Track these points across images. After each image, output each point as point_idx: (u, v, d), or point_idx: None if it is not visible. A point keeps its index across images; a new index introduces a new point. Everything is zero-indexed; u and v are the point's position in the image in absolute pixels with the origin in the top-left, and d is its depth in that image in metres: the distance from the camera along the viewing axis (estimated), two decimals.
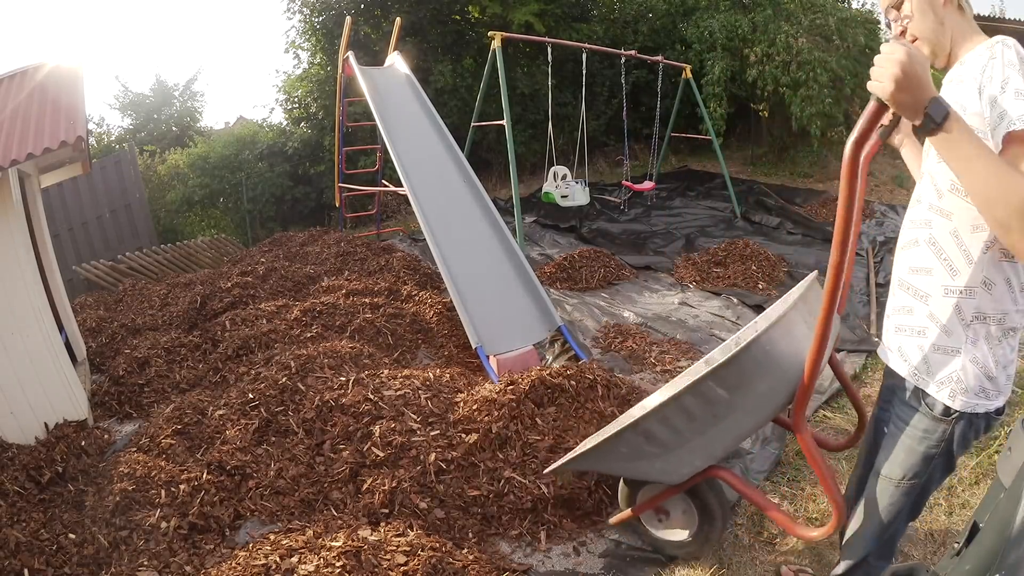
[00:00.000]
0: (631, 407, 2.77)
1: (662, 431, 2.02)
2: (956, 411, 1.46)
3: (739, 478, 2.15)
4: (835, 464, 3.04)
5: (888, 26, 1.53)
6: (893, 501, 1.61)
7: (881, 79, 1.13)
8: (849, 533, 1.76)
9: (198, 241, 8.86)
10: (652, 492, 2.44)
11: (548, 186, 7.35)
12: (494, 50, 6.53)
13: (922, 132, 1.18)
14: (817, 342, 1.59)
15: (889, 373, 1.67)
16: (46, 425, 3.47)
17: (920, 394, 1.51)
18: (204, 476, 2.85)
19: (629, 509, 2.49)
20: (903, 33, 1.45)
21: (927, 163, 1.50)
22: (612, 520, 2.61)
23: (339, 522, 2.56)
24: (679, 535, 2.51)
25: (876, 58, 1.15)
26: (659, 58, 8.52)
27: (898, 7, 1.44)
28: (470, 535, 2.60)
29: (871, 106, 1.18)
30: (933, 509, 2.67)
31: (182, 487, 2.76)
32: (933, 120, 1.14)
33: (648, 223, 7.98)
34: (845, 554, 1.79)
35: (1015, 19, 9.72)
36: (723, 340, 3.87)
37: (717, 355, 2.53)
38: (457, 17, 11.49)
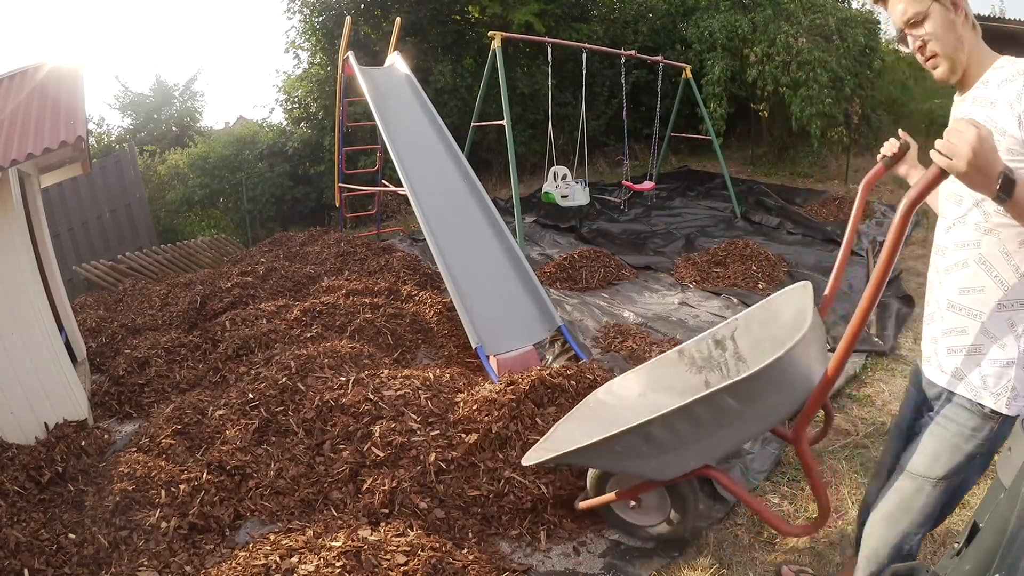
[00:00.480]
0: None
1: (663, 434, 2.02)
2: (1004, 414, 1.49)
3: (729, 478, 2.17)
4: (835, 464, 3.05)
5: (901, 40, 1.52)
6: (929, 502, 1.61)
7: (953, 155, 1.21)
8: (875, 542, 1.73)
9: (198, 241, 8.86)
10: (627, 481, 2.47)
11: (548, 186, 7.35)
12: (494, 50, 6.53)
13: (995, 202, 1.27)
14: (836, 367, 1.67)
15: (929, 385, 1.67)
16: (46, 425, 3.47)
17: (974, 402, 1.54)
18: (204, 476, 2.85)
19: (599, 496, 2.53)
20: (922, 48, 1.47)
21: (966, 188, 1.52)
22: (580, 504, 2.63)
23: (339, 522, 2.56)
24: (650, 519, 2.57)
25: (947, 133, 1.23)
26: (659, 58, 8.51)
27: (919, 24, 1.45)
28: (470, 535, 2.60)
29: (933, 173, 1.28)
30: None
31: (182, 487, 2.76)
32: (1006, 195, 1.23)
33: (648, 223, 7.98)
34: (870, 564, 1.75)
35: (1015, 19, 9.71)
36: None
37: (691, 346, 2.53)
38: (457, 17, 11.48)
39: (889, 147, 1.81)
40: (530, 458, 2.38)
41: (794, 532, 2.16)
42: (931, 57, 1.47)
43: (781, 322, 2.31)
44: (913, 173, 1.82)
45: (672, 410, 1.94)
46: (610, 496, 2.49)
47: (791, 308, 2.27)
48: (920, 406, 1.72)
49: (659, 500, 2.55)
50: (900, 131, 1.82)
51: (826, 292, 2.12)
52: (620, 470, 2.31)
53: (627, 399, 2.59)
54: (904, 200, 1.35)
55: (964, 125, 1.20)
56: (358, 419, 3.14)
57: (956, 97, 1.58)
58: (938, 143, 1.25)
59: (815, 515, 2.68)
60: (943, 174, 1.26)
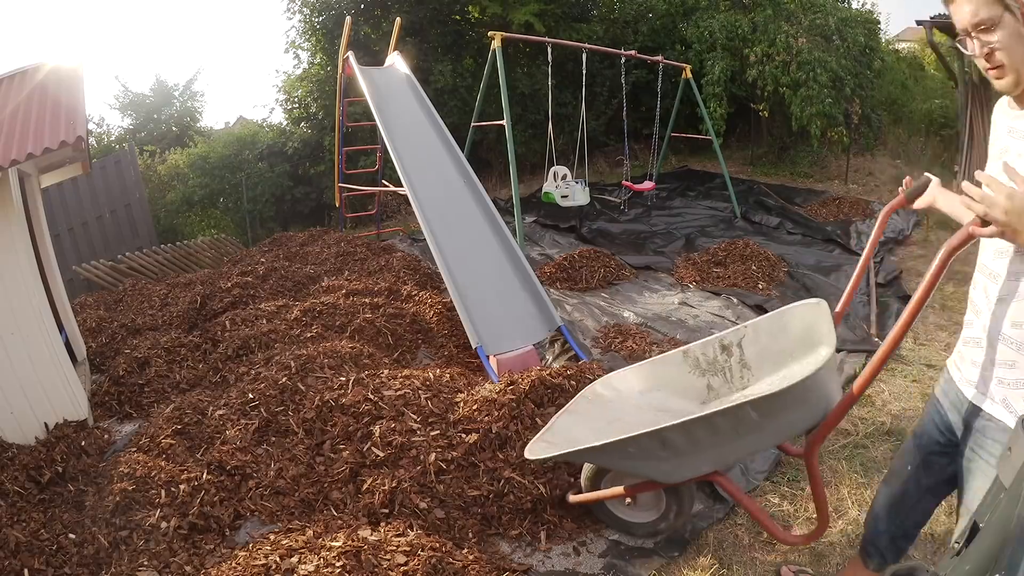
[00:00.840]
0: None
1: (680, 440, 2.03)
2: None
3: (735, 485, 2.18)
4: (835, 464, 3.05)
5: (961, 42, 1.48)
6: None
7: (991, 207, 1.25)
8: None
9: (198, 241, 8.86)
10: (622, 479, 2.48)
11: (548, 186, 7.35)
12: (494, 50, 6.53)
13: None
14: (861, 387, 1.75)
15: (972, 411, 1.62)
16: (46, 425, 3.47)
17: None
18: (204, 476, 2.85)
19: (595, 491, 2.52)
20: (989, 56, 1.44)
21: None
22: (573, 498, 2.62)
23: (339, 522, 2.56)
24: (645, 516, 2.58)
25: (983, 197, 1.27)
26: (659, 58, 8.50)
27: (990, 31, 1.41)
28: (470, 535, 2.60)
29: (974, 222, 1.35)
30: None
31: (182, 487, 2.76)
32: None
33: (648, 223, 7.98)
34: None
35: None
36: None
37: (697, 349, 2.55)
38: (457, 17, 11.48)
39: (908, 181, 1.93)
40: (534, 452, 2.35)
41: (793, 541, 2.20)
42: (997, 67, 1.43)
43: (790, 335, 2.33)
44: (939, 197, 1.85)
45: (694, 418, 1.95)
46: (607, 492, 2.49)
47: (802, 322, 2.30)
48: (951, 427, 1.67)
49: (654, 498, 2.56)
50: (926, 173, 1.93)
51: (837, 309, 2.18)
52: (628, 471, 2.31)
53: (626, 395, 2.59)
54: (944, 248, 1.40)
55: (997, 184, 1.22)
56: (358, 419, 3.14)
57: (1010, 109, 1.55)
58: (971, 204, 1.28)
59: (814, 515, 2.69)
60: (983, 224, 1.31)
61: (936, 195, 1.87)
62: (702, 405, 2.49)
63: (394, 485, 2.71)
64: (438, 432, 2.99)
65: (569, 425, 2.49)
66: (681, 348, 2.60)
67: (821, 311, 2.18)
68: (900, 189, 1.96)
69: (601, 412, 2.54)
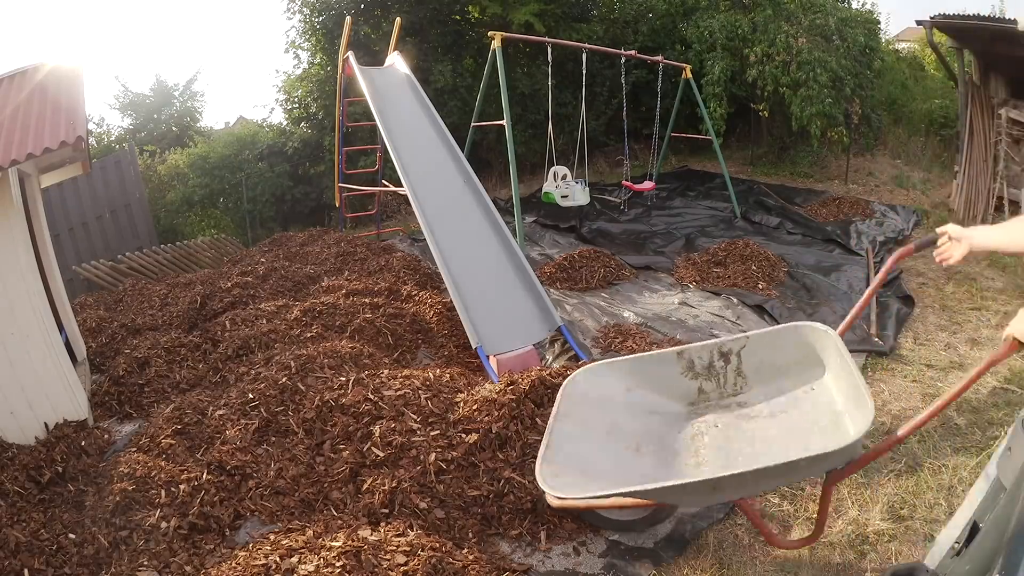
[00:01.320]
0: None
1: (731, 483, 2.02)
2: None
3: (748, 502, 2.19)
4: None
5: None
6: None
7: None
8: None
9: (198, 241, 8.87)
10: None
11: (548, 186, 7.35)
12: (494, 50, 6.53)
13: None
14: (905, 434, 1.91)
15: None
16: (46, 425, 3.47)
17: None
18: (204, 476, 2.85)
19: (584, 499, 2.40)
20: None
21: None
22: (555, 503, 2.39)
23: (339, 522, 2.56)
24: (633, 515, 2.59)
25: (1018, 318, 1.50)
26: (659, 58, 8.50)
27: None
28: (470, 535, 2.60)
29: (1010, 346, 1.61)
30: (934, 509, 2.67)
31: (182, 487, 2.76)
32: None
33: (648, 223, 7.97)
34: None
35: (1015, 19, 9.69)
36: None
37: (693, 351, 2.55)
38: (457, 17, 11.48)
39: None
40: (561, 489, 2.15)
41: (787, 546, 2.25)
42: None
43: (788, 353, 2.36)
44: (974, 240, 1.81)
45: (754, 470, 1.93)
46: (605, 503, 2.38)
47: (804, 342, 2.33)
48: None
49: None
50: (936, 229, 2.05)
51: (840, 329, 2.29)
52: (659, 501, 2.22)
53: (613, 395, 2.55)
54: (986, 359, 1.67)
55: None
56: (358, 419, 3.14)
57: None
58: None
59: (814, 515, 2.69)
60: (1019, 345, 1.52)
61: (970, 241, 1.80)
62: (691, 407, 2.50)
63: (394, 485, 2.71)
64: (438, 432, 2.99)
65: (568, 438, 2.39)
66: (675, 348, 2.59)
67: (828, 339, 2.21)
68: (915, 242, 2.15)
69: (593, 416, 2.49)
